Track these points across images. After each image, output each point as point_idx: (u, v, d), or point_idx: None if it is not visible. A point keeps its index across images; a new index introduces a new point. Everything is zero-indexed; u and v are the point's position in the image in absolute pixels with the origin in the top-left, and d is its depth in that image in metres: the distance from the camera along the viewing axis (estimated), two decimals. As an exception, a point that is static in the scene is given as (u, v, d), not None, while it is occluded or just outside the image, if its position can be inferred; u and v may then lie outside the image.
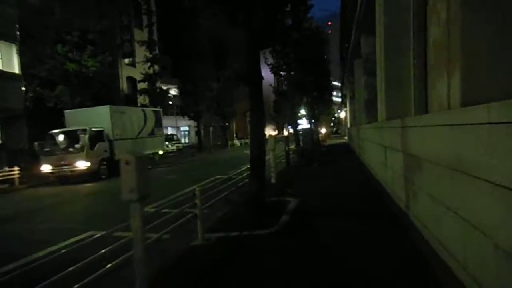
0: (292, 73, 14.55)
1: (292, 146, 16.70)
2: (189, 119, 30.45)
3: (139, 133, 17.33)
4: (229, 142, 38.44)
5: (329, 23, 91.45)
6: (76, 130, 14.12)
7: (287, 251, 4.33)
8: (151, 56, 24.24)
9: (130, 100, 24.54)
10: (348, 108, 36.03)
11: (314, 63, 16.22)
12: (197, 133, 31.19)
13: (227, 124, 39.61)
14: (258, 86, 6.05)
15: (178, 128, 47.97)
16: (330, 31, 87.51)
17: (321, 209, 6.32)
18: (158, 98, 24.01)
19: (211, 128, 50.61)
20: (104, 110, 15.19)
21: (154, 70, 24.40)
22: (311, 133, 20.57)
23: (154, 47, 24.62)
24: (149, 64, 24.41)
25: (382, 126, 7.46)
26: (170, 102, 34.15)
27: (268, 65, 15.32)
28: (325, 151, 21.12)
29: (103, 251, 3.39)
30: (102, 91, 21.43)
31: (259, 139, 6.17)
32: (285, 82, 14.97)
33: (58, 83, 15.88)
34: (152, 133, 18.48)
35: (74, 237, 5.83)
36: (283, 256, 4.19)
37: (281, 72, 14.84)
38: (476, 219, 2.55)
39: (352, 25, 17.11)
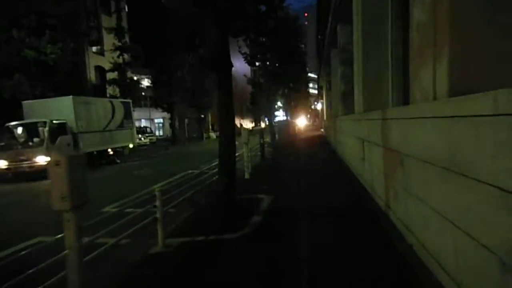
0: (267, 63, 14.03)
1: (268, 139, 16.27)
2: (163, 111, 29.36)
3: (107, 125, 16.36)
4: (205, 135, 37.58)
5: (306, 14, 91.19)
6: (35, 123, 13.06)
7: (258, 258, 3.87)
8: (120, 44, 22.99)
9: (98, 91, 23.28)
10: (324, 100, 35.96)
11: (290, 53, 15.75)
12: (171, 125, 30.17)
13: (202, 116, 38.69)
14: (226, 73, 5.49)
15: (152, 120, 46.52)
16: (306, 22, 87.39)
17: (295, 208, 5.90)
18: (128, 89, 22.86)
19: (186, 120, 49.54)
20: (66, 101, 14.14)
21: (123, 59, 23.17)
22: (287, 125, 20.19)
23: (123, 34, 23.34)
24: (118, 52, 23.18)
25: (360, 118, 7.11)
26: (144, 94, 32.87)
27: (242, 54, 14.69)
28: (301, 143, 20.87)
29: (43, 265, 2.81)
30: (67, 81, 20.20)
31: (228, 133, 5.64)
32: (260, 73, 14.45)
33: (15, 72, 14.63)
34: (121, 126, 17.52)
35: (17, 245, 5.13)
36: (253, 264, 3.72)
37: (256, 62, 14.31)
38: (475, 231, 2.15)
39: (329, 14, 16.75)
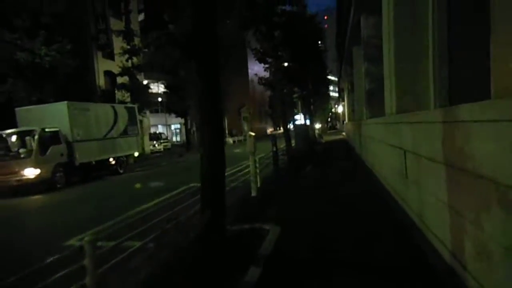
0: (281, 56, 12.25)
1: (283, 145, 14.50)
2: (176, 116, 28.05)
3: (108, 133, 15.03)
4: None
5: (326, 17, 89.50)
6: (24, 132, 11.85)
7: None
8: (128, 47, 21.86)
9: (108, 97, 22.22)
10: (346, 102, 33.82)
11: (306, 50, 13.98)
12: (186, 131, 28.81)
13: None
14: (209, 57, 3.84)
15: (168, 126, 45.56)
16: (326, 26, 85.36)
17: (314, 251, 4.13)
18: (138, 94, 21.61)
19: (203, 126, 48.44)
20: (61, 107, 12.88)
21: (133, 63, 21.98)
22: (305, 130, 18.37)
23: (131, 37, 22.14)
24: (127, 56, 22.05)
25: (399, 121, 5.27)
26: (160, 99, 31.76)
27: (252, 50, 13.02)
28: (321, 149, 18.94)
29: None
30: (74, 86, 19.19)
31: (213, 143, 3.97)
32: (272, 70, 12.76)
33: (8, 76, 13.55)
34: (124, 133, 16.18)
35: None
36: None
37: (268, 59, 12.64)
38: None
39: (351, 5, 14.93)
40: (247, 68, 54.11)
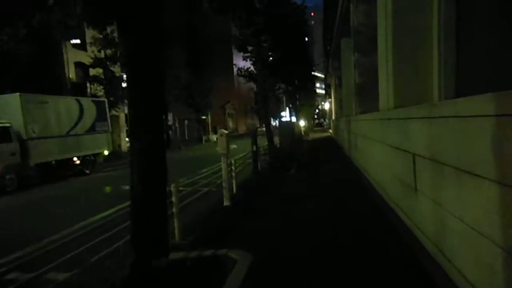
0: (262, 43, 10.94)
1: (266, 143, 13.29)
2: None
3: (71, 129, 13.48)
4: (204, 137, 34.63)
5: (312, 14, 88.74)
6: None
7: None
8: (101, 36, 20.10)
9: (79, 90, 20.48)
10: (333, 98, 32.82)
11: (291, 38, 12.76)
12: (165, 127, 27.26)
13: (203, 117, 35.74)
14: (144, 25, 2.57)
15: (166, 122, 43.82)
16: (313, 22, 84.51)
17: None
18: (111, 87, 19.90)
19: (186, 122, 46.88)
20: (12, 100, 11.30)
21: (106, 54, 20.23)
22: (290, 127, 17.20)
23: (103, 26, 20.39)
24: (99, 47, 20.30)
25: (406, 116, 4.09)
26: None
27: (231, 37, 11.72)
28: (307, 148, 17.82)
29: None
30: (37, 78, 17.50)
31: (145, 151, 2.71)
32: (252, 60, 11.46)
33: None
34: (92, 129, 14.64)
35: None
36: None
37: (248, 47, 11.32)
38: None
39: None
40: (232, 63, 52.73)
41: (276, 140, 14.37)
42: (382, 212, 5.19)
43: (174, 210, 4.61)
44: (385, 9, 5.57)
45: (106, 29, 20.37)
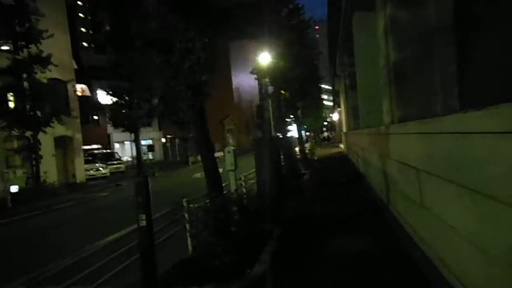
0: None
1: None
2: (123, 131, 21.48)
3: None
4: (191, 158, 29.70)
5: (317, 27, 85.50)
6: None
7: None
8: (21, 31, 14.82)
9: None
10: (342, 107, 27.75)
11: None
12: (137, 149, 22.22)
13: (190, 135, 30.91)
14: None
15: (137, 142, 39.17)
16: (317, 35, 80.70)
17: None
18: (42, 98, 14.74)
19: (176, 141, 42.04)
20: None
21: (30, 53, 15.22)
22: (288, 145, 12.24)
23: (26, 16, 14.99)
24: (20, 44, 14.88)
25: None
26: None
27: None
28: (309, 181, 12.27)
29: None
30: None
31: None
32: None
33: None
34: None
35: None
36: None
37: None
38: None
39: None
40: (230, 77, 48.49)
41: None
42: None
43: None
44: None
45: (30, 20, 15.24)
